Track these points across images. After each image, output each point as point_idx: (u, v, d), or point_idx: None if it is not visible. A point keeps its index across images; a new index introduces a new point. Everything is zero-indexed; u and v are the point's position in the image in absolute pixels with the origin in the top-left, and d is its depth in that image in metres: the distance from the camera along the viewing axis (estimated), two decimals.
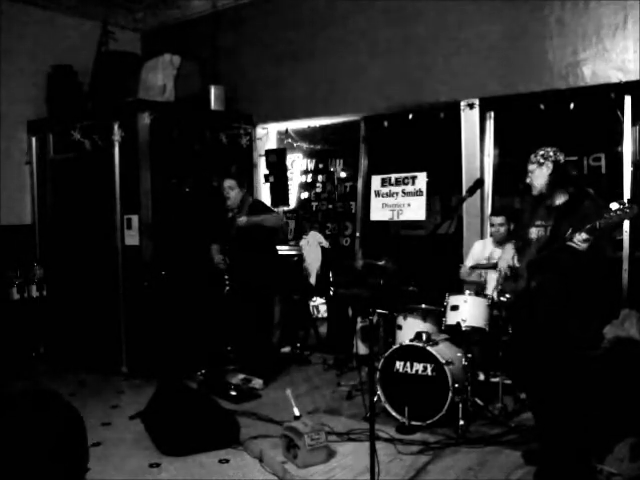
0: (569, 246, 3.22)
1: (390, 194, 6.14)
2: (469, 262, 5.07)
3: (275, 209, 6.14)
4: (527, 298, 3.53)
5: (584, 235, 3.13)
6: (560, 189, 3.48)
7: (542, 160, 3.48)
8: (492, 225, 4.90)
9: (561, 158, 3.49)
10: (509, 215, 4.80)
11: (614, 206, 3.05)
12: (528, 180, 3.54)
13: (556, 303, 3.39)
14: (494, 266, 4.05)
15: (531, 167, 3.52)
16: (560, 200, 3.51)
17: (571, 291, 3.38)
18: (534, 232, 3.56)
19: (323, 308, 6.52)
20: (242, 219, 5.21)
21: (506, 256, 3.70)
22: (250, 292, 5.34)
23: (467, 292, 4.54)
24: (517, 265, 3.60)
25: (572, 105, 4.99)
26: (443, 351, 4.28)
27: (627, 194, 4.79)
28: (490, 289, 4.68)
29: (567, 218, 3.36)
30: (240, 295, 5.39)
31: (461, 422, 4.04)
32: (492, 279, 4.72)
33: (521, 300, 3.60)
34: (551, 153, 3.48)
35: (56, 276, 6.52)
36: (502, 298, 3.93)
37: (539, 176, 3.49)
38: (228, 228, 5.34)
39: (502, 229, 4.79)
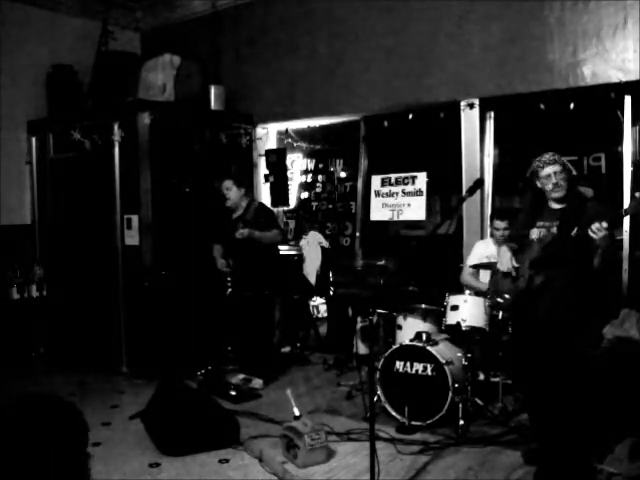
0: (578, 241, 3.22)
1: (390, 194, 6.14)
2: (470, 262, 5.06)
3: (276, 209, 6.15)
4: (528, 297, 3.52)
5: (604, 224, 3.11)
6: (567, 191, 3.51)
7: (561, 162, 3.46)
8: (496, 229, 4.86)
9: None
10: (512, 218, 4.77)
11: (639, 194, 3.08)
12: (554, 181, 3.44)
13: (563, 297, 3.39)
14: (495, 265, 4.04)
15: (554, 168, 3.44)
16: (562, 203, 3.51)
17: (578, 285, 3.40)
18: (535, 232, 3.55)
19: (323, 308, 6.52)
20: (243, 232, 5.20)
21: (504, 259, 3.66)
22: (252, 293, 5.34)
23: (467, 292, 4.54)
24: (517, 265, 3.59)
25: (572, 105, 4.99)
26: (443, 351, 4.28)
27: (627, 194, 4.80)
28: (485, 285, 4.67)
29: (574, 219, 3.36)
30: (242, 296, 5.39)
31: (461, 422, 4.04)
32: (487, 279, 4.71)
33: (521, 300, 3.59)
34: (557, 157, 3.49)
35: (56, 276, 6.52)
36: (499, 299, 3.91)
37: (564, 179, 3.46)
38: (231, 229, 5.34)
39: (506, 233, 4.77)
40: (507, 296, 3.67)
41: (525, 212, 3.76)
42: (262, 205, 5.76)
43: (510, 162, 5.50)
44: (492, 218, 5.02)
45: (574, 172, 4.80)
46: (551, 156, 3.46)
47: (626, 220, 4.72)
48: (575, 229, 3.26)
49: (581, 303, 3.42)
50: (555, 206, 3.54)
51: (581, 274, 3.40)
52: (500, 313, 4.29)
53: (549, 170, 3.45)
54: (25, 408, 1.22)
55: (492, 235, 4.99)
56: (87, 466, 1.28)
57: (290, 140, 7.00)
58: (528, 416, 3.82)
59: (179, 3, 7.19)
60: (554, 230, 3.46)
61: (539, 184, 3.53)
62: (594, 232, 3.14)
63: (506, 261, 3.63)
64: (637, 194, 3.09)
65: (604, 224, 3.12)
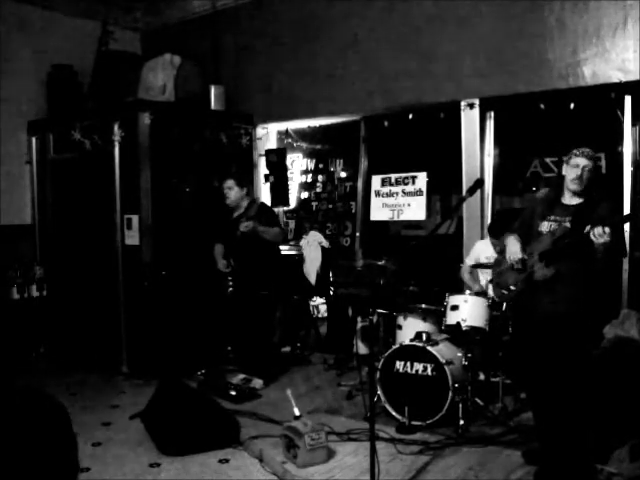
0: (588, 238, 3.22)
1: (390, 194, 6.13)
2: (470, 261, 5.07)
3: (276, 209, 6.17)
4: (534, 289, 3.51)
5: (607, 229, 3.11)
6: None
7: (594, 161, 3.49)
8: (495, 245, 4.80)
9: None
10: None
11: None
12: (579, 174, 3.45)
13: (569, 291, 3.40)
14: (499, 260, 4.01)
15: (585, 162, 3.45)
16: (577, 199, 3.52)
17: (585, 281, 3.41)
18: (546, 225, 3.54)
19: (323, 308, 6.52)
20: (248, 224, 5.18)
21: (513, 248, 3.60)
22: (253, 292, 5.34)
23: (467, 292, 4.54)
24: (525, 257, 3.57)
25: (572, 105, 4.99)
26: (443, 351, 4.28)
27: (627, 194, 4.80)
28: (483, 283, 4.65)
29: (586, 216, 3.37)
30: (243, 295, 5.39)
31: (461, 422, 4.04)
32: (487, 274, 4.68)
33: (527, 291, 3.57)
34: (593, 155, 3.52)
35: (56, 276, 6.52)
36: (503, 291, 3.85)
37: (589, 178, 3.47)
38: (233, 228, 5.34)
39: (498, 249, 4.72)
40: (512, 287, 3.63)
41: (538, 205, 3.71)
42: (264, 204, 5.78)
43: (510, 162, 5.50)
44: (489, 230, 5.03)
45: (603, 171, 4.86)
46: (590, 152, 3.49)
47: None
48: (588, 226, 3.25)
49: (586, 298, 3.43)
50: (569, 202, 3.54)
51: (589, 270, 3.40)
52: (504, 305, 4.27)
53: (580, 161, 3.47)
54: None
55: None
56: (72, 458, 1.28)
57: (290, 140, 7.00)
58: (532, 414, 3.80)
59: (179, 3, 7.18)
60: (566, 225, 3.45)
61: (564, 170, 3.56)
62: (595, 236, 3.14)
63: (516, 251, 3.58)
64: None
65: (607, 229, 3.11)
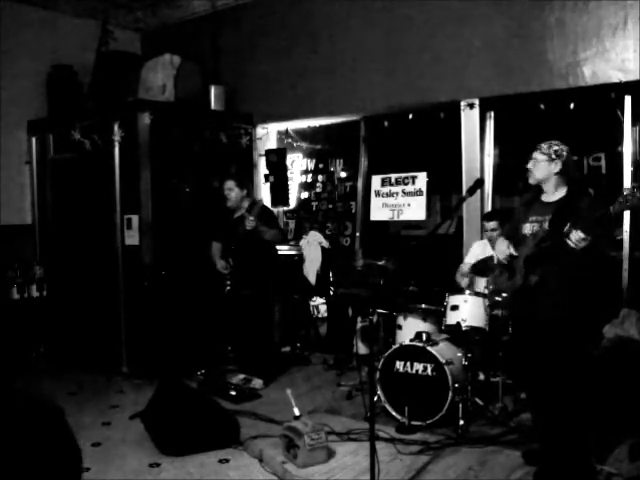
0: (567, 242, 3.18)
1: (390, 194, 6.13)
2: (467, 262, 5.07)
3: (276, 209, 6.17)
4: (525, 295, 3.50)
5: (581, 234, 3.08)
6: (560, 185, 3.44)
7: (554, 156, 3.40)
8: (485, 230, 4.89)
9: (570, 158, 3.46)
10: (502, 218, 4.74)
11: (627, 190, 2.98)
12: (530, 165, 3.44)
13: (558, 294, 3.34)
14: (492, 262, 4.02)
15: (540, 157, 3.41)
16: (557, 196, 3.46)
17: (573, 282, 3.34)
18: (528, 227, 3.48)
19: (323, 308, 6.52)
20: (252, 224, 5.13)
21: (501, 247, 3.59)
22: (252, 292, 5.34)
23: (467, 292, 4.54)
24: (515, 253, 3.51)
25: (572, 105, 4.99)
26: (443, 351, 4.28)
27: None
28: (481, 287, 4.66)
29: (565, 214, 3.31)
30: (243, 295, 5.39)
31: (461, 422, 4.04)
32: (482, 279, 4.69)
33: (518, 297, 3.56)
34: (564, 153, 3.41)
35: (56, 276, 6.52)
36: (497, 297, 3.86)
37: (543, 169, 3.40)
38: (233, 229, 5.33)
39: (495, 233, 4.74)
40: (504, 294, 3.63)
41: (522, 207, 3.67)
42: (265, 206, 5.78)
43: (510, 162, 5.50)
44: (482, 219, 5.04)
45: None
46: (551, 151, 3.41)
47: (626, 220, 4.73)
48: (567, 225, 3.21)
49: (576, 300, 3.37)
50: (548, 199, 3.48)
51: (574, 272, 3.34)
52: (500, 311, 4.28)
53: (534, 154, 3.44)
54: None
55: (486, 237, 5.01)
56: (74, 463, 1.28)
57: (290, 140, 7.00)
58: (531, 415, 3.80)
59: (179, 3, 7.17)
60: (546, 225, 3.39)
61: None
62: (573, 242, 3.11)
63: (503, 249, 3.56)
64: (625, 191, 3.01)
65: (581, 234, 3.07)
